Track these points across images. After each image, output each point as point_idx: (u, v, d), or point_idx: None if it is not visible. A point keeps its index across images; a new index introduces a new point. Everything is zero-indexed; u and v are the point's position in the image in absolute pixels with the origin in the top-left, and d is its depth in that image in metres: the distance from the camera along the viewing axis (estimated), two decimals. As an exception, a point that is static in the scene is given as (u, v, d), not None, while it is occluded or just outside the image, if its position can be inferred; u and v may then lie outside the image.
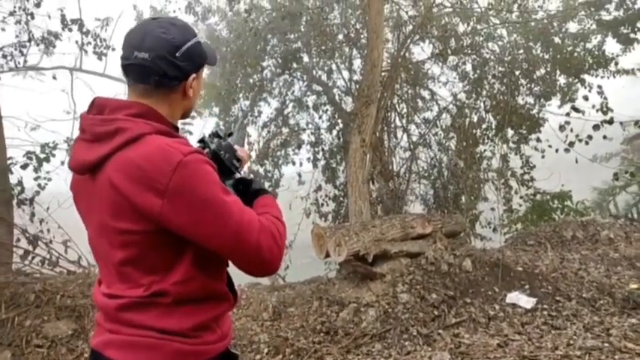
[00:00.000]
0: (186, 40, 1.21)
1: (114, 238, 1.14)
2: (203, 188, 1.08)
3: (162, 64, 1.17)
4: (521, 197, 6.95)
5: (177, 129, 1.25)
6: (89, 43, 6.34)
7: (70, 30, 5.94)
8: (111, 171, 1.11)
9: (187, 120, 6.36)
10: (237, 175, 1.41)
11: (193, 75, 1.24)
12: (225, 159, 1.36)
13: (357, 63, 8.17)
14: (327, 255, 4.11)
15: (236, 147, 1.41)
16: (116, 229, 1.13)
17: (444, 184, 7.20)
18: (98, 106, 1.18)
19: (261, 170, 8.19)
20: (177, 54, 1.19)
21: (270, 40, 7.81)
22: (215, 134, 1.43)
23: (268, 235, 1.14)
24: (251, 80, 8.42)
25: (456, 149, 7.17)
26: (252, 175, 1.52)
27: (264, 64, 8.06)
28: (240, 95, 8.66)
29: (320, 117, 8.47)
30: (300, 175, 8.17)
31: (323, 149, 8.21)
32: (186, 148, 1.11)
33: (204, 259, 1.17)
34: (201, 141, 1.39)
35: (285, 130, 8.65)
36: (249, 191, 1.38)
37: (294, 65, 8.16)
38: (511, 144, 7.00)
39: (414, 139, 7.51)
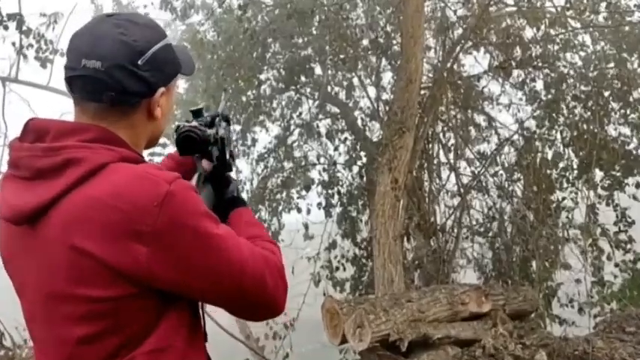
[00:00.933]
0: (153, 43, 1.25)
1: (72, 310, 1.13)
2: (197, 224, 1.15)
3: (120, 75, 1.20)
4: (616, 265, 6.79)
5: (143, 160, 1.28)
6: (30, 45, 6.51)
7: (6, 28, 6.05)
8: (64, 219, 1.13)
9: (157, 149, 6.51)
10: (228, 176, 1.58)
11: (162, 89, 1.27)
12: (228, 152, 1.52)
13: (388, 77, 8.36)
14: (344, 340, 4.05)
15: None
16: (76, 299, 1.12)
17: (506, 243, 7.09)
18: (37, 130, 1.20)
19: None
20: (139, 62, 1.22)
21: (272, 46, 8.07)
22: (226, 118, 1.59)
23: (273, 269, 1.25)
24: (244, 98, 8.61)
25: (523, 196, 7.14)
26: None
27: (263, 76, 8.30)
28: (230, 117, 8.86)
29: (336, 148, 8.61)
30: (307, 227, 8.20)
31: (339, 192, 8.29)
32: (168, 173, 1.17)
33: (187, 321, 1.21)
34: (212, 122, 1.54)
35: (288, 164, 8.78)
36: (224, 195, 1.53)
37: (303, 79, 8.37)
38: (600, 190, 6.94)
39: (465, 180, 7.52)
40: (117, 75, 1.20)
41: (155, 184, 1.13)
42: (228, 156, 1.54)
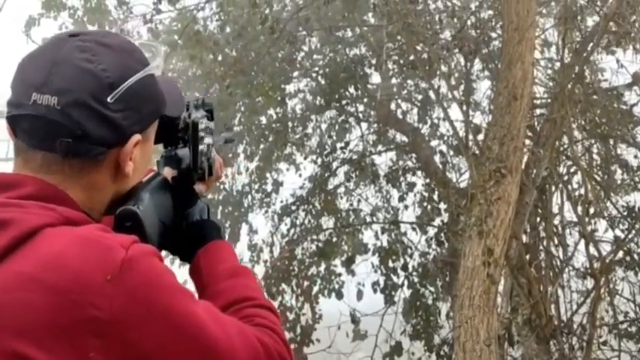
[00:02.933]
0: (129, 74, 1.32)
1: None
2: (167, 303, 1.20)
3: (82, 116, 1.26)
4: None
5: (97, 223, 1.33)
6: None
7: None
8: None
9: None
10: (199, 190, 1.66)
11: (137, 137, 1.34)
12: (200, 145, 1.58)
13: (483, 89, 8.36)
14: None
15: (214, 152, 1.66)
16: None
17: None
18: None
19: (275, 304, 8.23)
20: (109, 98, 1.28)
21: (305, 42, 8.21)
22: (205, 104, 1.70)
23: (274, 356, 1.33)
24: (263, 120, 8.75)
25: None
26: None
27: (291, 87, 8.45)
28: (240, 149, 9.00)
29: (402, 198, 8.58)
30: (356, 320, 8.16)
31: (407, 266, 8.23)
32: (122, 236, 1.23)
33: None
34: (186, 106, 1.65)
35: (328, 222, 8.79)
36: (186, 217, 1.60)
37: (352, 91, 8.45)
38: None
39: (605, 251, 7.36)
40: (77, 116, 1.26)
41: (106, 250, 1.17)
42: (202, 158, 1.59)
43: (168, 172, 1.62)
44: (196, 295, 1.41)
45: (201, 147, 1.60)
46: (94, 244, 1.17)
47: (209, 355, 1.22)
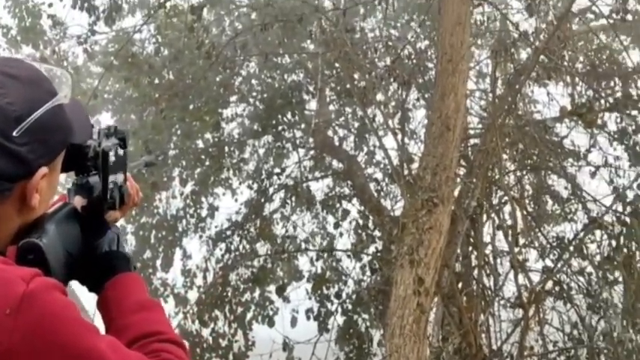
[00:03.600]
0: (36, 106, 1.29)
1: None
2: (69, 338, 1.17)
3: None
4: None
5: (2, 255, 1.30)
6: None
7: None
8: None
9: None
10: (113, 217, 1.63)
11: (44, 169, 1.31)
12: (111, 174, 1.56)
13: (418, 118, 8.45)
14: None
15: (128, 175, 1.65)
16: None
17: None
18: None
19: (206, 332, 8.15)
20: (14, 132, 1.26)
21: (242, 67, 8.20)
22: (117, 132, 1.65)
23: None
24: (200, 143, 8.70)
25: (623, 308, 7.06)
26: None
27: (228, 112, 8.43)
28: (175, 173, 8.92)
29: (337, 225, 8.59)
30: (289, 348, 8.14)
31: (339, 294, 8.24)
32: (23, 269, 1.20)
33: None
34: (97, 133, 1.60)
35: (263, 247, 8.75)
36: (96, 248, 1.56)
37: (289, 117, 8.46)
38: None
39: (535, 280, 7.45)
40: None
41: (6, 284, 1.15)
42: (112, 187, 1.57)
43: (78, 201, 1.58)
44: (103, 329, 1.38)
45: (112, 176, 1.57)
46: None
47: None
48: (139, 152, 7.33)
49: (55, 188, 1.41)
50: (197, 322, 8.11)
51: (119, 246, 1.61)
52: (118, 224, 1.71)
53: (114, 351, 1.23)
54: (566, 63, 7.14)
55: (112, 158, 1.56)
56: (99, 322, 1.42)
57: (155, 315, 1.47)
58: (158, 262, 8.83)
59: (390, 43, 7.87)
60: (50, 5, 7.93)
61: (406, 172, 7.60)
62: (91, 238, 1.57)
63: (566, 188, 7.88)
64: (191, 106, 7.99)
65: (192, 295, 8.65)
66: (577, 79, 7.34)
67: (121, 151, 1.64)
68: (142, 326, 1.41)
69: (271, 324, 8.29)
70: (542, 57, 6.88)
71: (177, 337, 1.44)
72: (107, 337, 1.28)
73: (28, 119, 1.27)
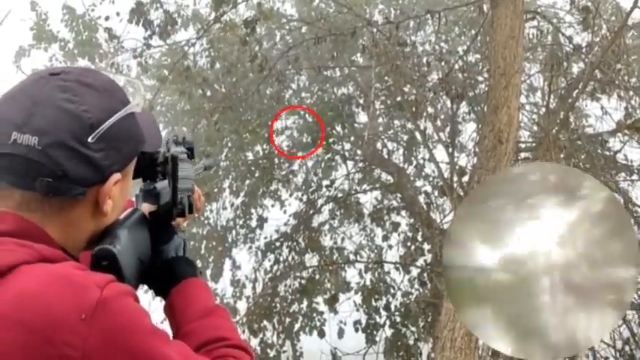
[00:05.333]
0: (109, 114, 1.33)
1: None
2: (141, 345, 1.20)
3: (62, 156, 1.27)
4: None
5: (76, 261, 1.33)
6: None
7: None
8: None
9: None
10: (180, 224, 1.68)
11: (117, 176, 1.35)
12: (180, 180, 1.58)
13: (469, 132, 8.41)
14: None
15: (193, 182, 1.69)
16: None
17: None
18: None
19: (255, 342, 8.17)
20: (89, 139, 1.29)
21: (293, 80, 8.25)
22: (185, 142, 1.73)
23: None
24: (250, 156, 8.76)
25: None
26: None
27: (278, 124, 8.44)
28: (226, 184, 8.99)
29: (386, 237, 8.58)
30: (335, 358, 8.14)
31: (389, 305, 8.23)
32: (98, 275, 1.23)
33: None
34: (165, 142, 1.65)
35: (311, 259, 8.76)
36: (161, 254, 1.59)
37: (338, 129, 8.48)
38: None
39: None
40: (57, 156, 1.26)
41: (81, 289, 1.17)
42: (181, 193, 1.59)
43: (146, 208, 1.62)
44: (171, 335, 1.42)
45: (181, 183, 1.60)
46: (69, 283, 1.17)
47: None
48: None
49: (127, 195, 1.45)
50: (246, 331, 8.15)
51: (185, 252, 1.64)
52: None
53: (182, 356, 1.26)
54: (620, 77, 7.06)
55: (181, 165, 1.59)
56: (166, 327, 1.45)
57: (221, 321, 1.50)
58: (208, 272, 8.88)
59: (442, 57, 7.84)
60: (107, 19, 8.04)
61: (457, 184, 7.59)
62: (159, 244, 1.61)
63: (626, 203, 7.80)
64: (242, 119, 8.03)
65: (242, 306, 8.67)
66: (631, 92, 7.26)
67: (190, 160, 1.71)
68: (209, 332, 1.44)
69: (322, 334, 8.29)
70: (596, 71, 6.83)
71: (243, 343, 1.46)
72: (177, 342, 1.32)
73: (102, 126, 1.31)
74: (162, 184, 1.63)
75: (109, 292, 1.18)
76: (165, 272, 1.58)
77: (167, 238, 1.63)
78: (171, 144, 1.67)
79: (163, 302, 1.59)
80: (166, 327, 1.42)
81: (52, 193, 1.28)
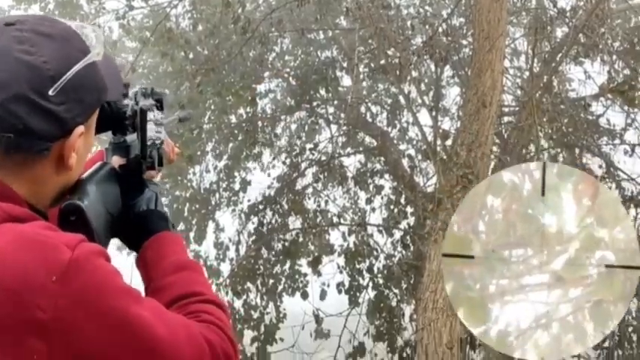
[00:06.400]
0: (70, 64, 1.29)
1: None
2: (114, 305, 1.19)
3: (22, 110, 1.24)
4: None
5: (45, 217, 1.33)
6: None
7: None
8: None
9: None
10: (151, 175, 1.65)
11: (80, 128, 1.32)
12: (149, 133, 1.56)
13: (452, 95, 8.41)
14: None
15: (164, 133, 1.68)
16: None
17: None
18: None
19: (238, 304, 8.22)
20: (50, 91, 1.26)
21: (276, 43, 8.19)
22: (154, 93, 1.70)
23: (220, 356, 1.31)
24: (233, 119, 8.72)
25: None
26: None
27: (261, 87, 8.43)
28: (209, 147, 8.97)
29: (369, 200, 8.62)
30: (318, 319, 8.21)
31: (371, 267, 8.28)
32: (68, 235, 1.21)
33: None
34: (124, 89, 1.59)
35: (295, 222, 8.80)
36: (134, 207, 1.56)
37: (322, 93, 8.46)
38: None
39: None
40: (17, 110, 1.23)
41: (51, 250, 1.15)
42: (150, 146, 1.58)
43: (116, 161, 1.60)
44: (142, 291, 1.39)
45: (150, 135, 1.58)
46: (38, 244, 1.16)
47: (154, 356, 1.22)
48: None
49: (90, 147, 1.42)
50: (230, 293, 8.18)
51: (157, 205, 1.60)
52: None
53: (155, 314, 1.25)
54: (604, 41, 7.07)
55: (150, 117, 1.58)
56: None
57: (194, 275, 1.47)
58: (191, 235, 8.88)
59: (426, 20, 7.82)
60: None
61: (440, 148, 7.60)
62: (130, 198, 1.58)
63: (600, 167, 7.83)
64: (225, 81, 7.98)
65: (225, 268, 8.70)
66: (615, 57, 7.27)
67: (159, 113, 1.68)
68: (181, 287, 1.42)
69: (305, 295, 8.33)
70: (579, 35, 6.84)
71: (217, 298, 1.44)
72: (150, 301, 1.30)
73: (63, 77, 1.27)
74: (132, 137, 1.60)
75: (80, 252, 1.17)
76: (137, 226, 1.55)
77: (138, 192, 1.60)
78: (140, 96, 1.63)
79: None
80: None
81: (13, 149, 1.25)
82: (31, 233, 1.18)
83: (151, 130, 1.60)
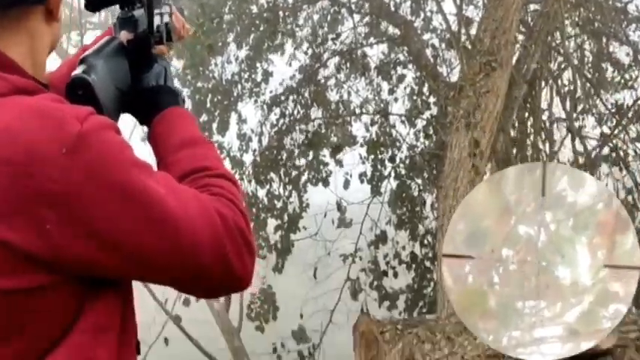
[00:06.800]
0: None
1: None
2: (125, 178, 1.19)
3: None
4: None
5: (46, 87, 1.33)
6: None
7: None
8: None
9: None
10: (162, 51, 1.64)
11: None
12: (157, 8, 1.57)
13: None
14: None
15: (174, 9, 1.67)
16: None
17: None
18: None
19: (262, 193, 8.33)
20: None
21: None
22: None
23: (231, 227, 1.31)
24: (254, 9, 8.62)
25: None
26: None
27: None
28: (230, 38, 8.90)
29: (392, 91, 8.59)
30: (342, 209, 8.31)
31: (394, 157, 8.33)
32: (77, 108, 1.21)
33: (116, 321, 1.27)
34: None
35: (317, 113, 8.81)
36: (142, 82, 1.57)
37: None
38: None
39: (591, 146, 7.44)
40: None
41: (61, 122, 1.15)
42: (158, 20, 1.56)
43: (124, 36, 1.58)
44: (155, 166, 1.40)
45: (157, 10, 1.57)
46: (47, 116, 1.15)
47: (166, 228, 1.22)
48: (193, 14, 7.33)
49: None
50: (253, 183, 8.28)
51: (167, 80, 1.60)
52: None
53: (167, 187, 1.25)
54: None
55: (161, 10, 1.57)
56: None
57: (204, 150, 1.47)
58: (214, 126, 8.91)
59: None
60: None
61: (464, 36, 7.51)
62: (138, 73, 1.57)
63: (627, 55, 7.73)
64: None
65: (248, 159, 8.76)
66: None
67: None
68: (191, 161, 1.42)
69: (326, 184, 8.41)
70: None
71: (228, 172, 1.45)
72: (161, 173, 1.31)
73: None
74: (140, 12, 1.58)
75: (89, 124, 1.17)
76: (146, 101, 1.56)
77: (147, 67, 1.59)
78: None
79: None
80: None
81: (8, 5, 1.25)
82: (39, 105, 1.18)
83: (158, 3, 1.59)
